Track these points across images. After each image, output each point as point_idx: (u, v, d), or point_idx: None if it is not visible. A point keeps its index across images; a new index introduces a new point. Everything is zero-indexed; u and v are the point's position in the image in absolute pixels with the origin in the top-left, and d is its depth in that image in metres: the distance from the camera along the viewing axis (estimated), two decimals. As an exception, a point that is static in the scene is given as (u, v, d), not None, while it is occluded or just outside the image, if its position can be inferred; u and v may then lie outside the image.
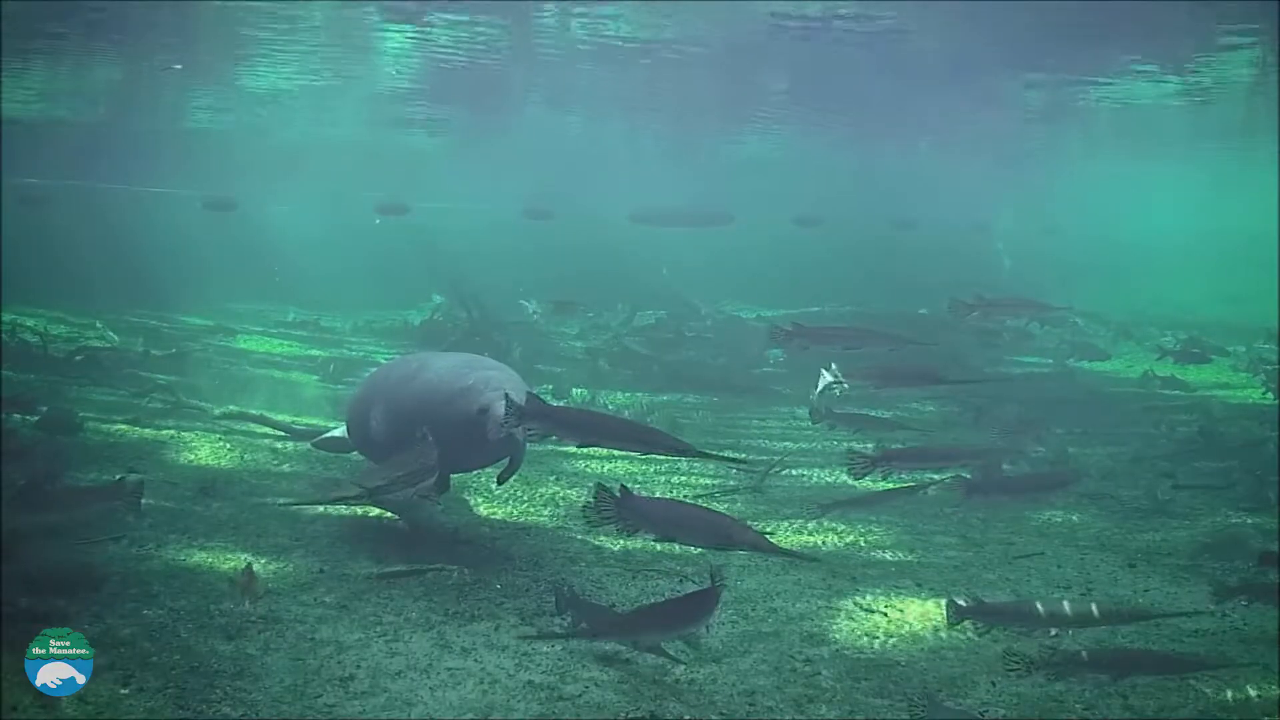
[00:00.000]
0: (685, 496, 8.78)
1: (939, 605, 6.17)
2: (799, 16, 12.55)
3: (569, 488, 8.72)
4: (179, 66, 16.85)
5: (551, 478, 9.12)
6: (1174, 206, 41.72)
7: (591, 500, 5.27)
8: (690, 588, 6.48)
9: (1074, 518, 8.40)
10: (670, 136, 25.61)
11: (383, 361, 15.94)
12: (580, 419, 5.89)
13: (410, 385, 7.23)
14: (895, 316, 17.42)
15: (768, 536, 5.53)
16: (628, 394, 13.65)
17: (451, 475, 7.30)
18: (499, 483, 7.67)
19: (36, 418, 9.48)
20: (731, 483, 9.24)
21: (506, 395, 6.06)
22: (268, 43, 14.97)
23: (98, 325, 17.44)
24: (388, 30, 14.16)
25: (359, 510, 7.96)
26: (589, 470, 9.41)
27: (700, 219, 27.86)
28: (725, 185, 33.29)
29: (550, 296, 16.27)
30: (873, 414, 10.72)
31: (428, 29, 13.93)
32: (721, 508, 8.35)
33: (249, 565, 5.87)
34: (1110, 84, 16.99)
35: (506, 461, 7.37)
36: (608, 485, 5.37)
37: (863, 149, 26.73)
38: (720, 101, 20.06)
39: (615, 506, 5.30)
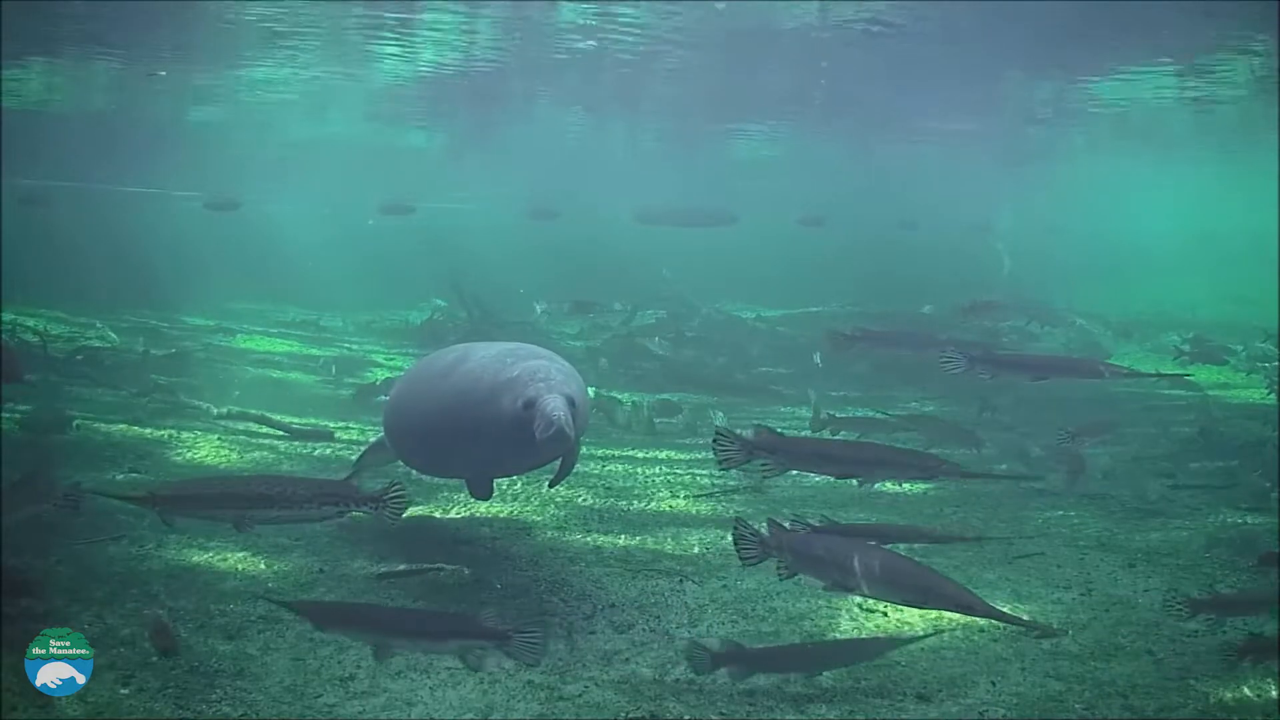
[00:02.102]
0: (684, 496, 8.78)
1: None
2: (802, 18, 12.58)
3: (569, 487, 8.71)
4: (164, 73, 16.89)
5: (551, 477, 9.10)
6: (1175, 207, 41.71)
7: (734, 536, 4.82)
8: (690, 587, 6.48)
9: (1074, 518, 8.40)
10: (672, 137, 25.62)
11: (376, 360, 16.01)
12: (822, 449, 5.35)
13: (449, 380, 6.37)
14: (897, 316, 17.42)
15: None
16: (630, 394, 13.66)
17: (495, 479, 6.77)
18: (551, 486, 7.11)
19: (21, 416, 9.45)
20: (731, 483, 9.23)
21: (550, 383, 5.61)
22: (268, 43, 14.97)
23: (98, 325, 17.44)
24: (387, 31, 14.17)
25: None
26: (588, 470, 9.41)
27: (705, 219, 27.86)
28: (726, 186, 33.30)
29: (561, 297, 16.30)
30: (872, 415, 10.76)
31: (428, 27, 13.93)
32: (721, 507, 8.39)
33: (159, 617, 5.42)
34: (1112, 84, 16.99)
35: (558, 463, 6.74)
36: (746, 520, 4.88)
37: (864, 150, 26.74)
38: (722, 102, 20.07)
39: (761, 545, 4.84)
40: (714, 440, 5.26)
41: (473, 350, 6.58)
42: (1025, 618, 5.55)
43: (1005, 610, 4.97)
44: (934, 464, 5.15)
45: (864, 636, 5.73)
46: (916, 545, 6.24)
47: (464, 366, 6.33)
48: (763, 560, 4.90)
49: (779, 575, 4.95)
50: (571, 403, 5.87)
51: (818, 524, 5.32)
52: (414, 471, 8.70)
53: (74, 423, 10.03)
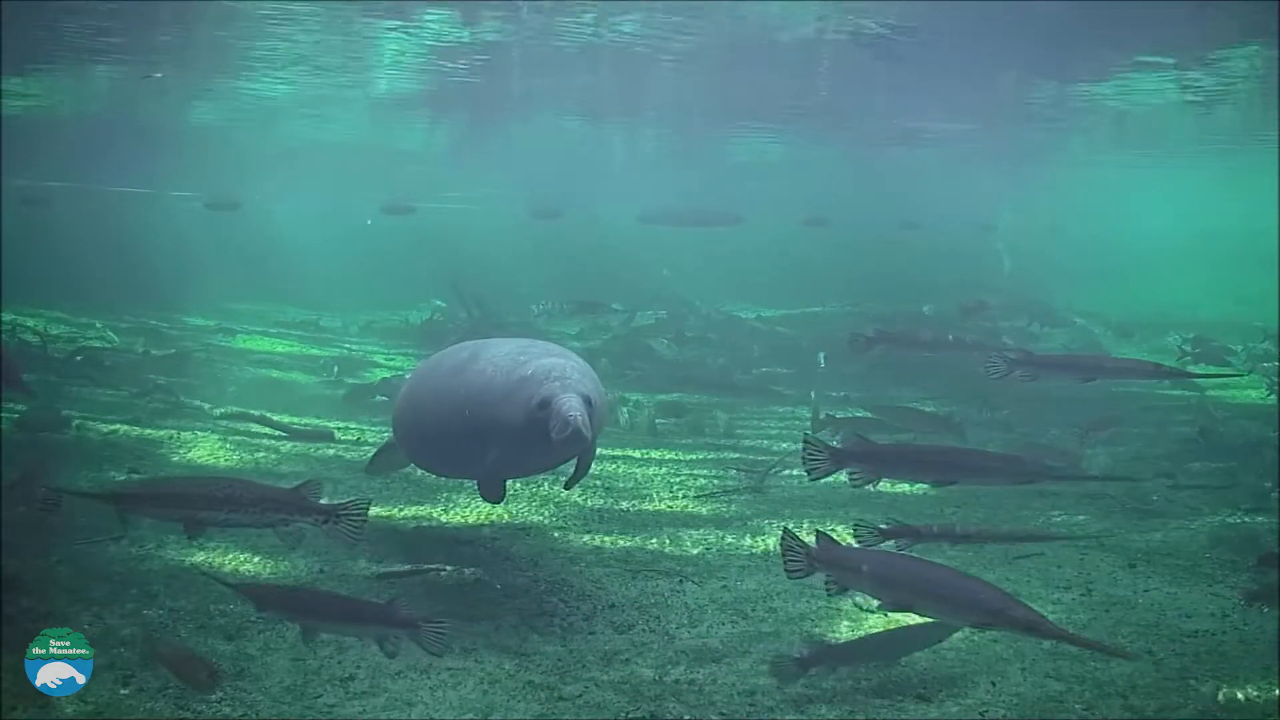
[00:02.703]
0: (684, 496, 8.78)
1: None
2: (804, 19, 12.59)
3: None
4: (159, 75, 16.91)
5: (550, 476, 9.11)
6: (1175, 207, 41.72)
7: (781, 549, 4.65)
8: (690, 587, 6.48)
9: (1074, 518, 8.40)
10: (673, 139, 25.63)
11: (377, 360, 16.02)
12: (915, 455, 5.13)
13: (460, 378, 6.13)
14: (899, 316, 17.42)
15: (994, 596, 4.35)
16: (631, 394, 13.66)
17: (509, 480, 6.53)
18: (566, 488, 6.80)
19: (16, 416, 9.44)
20: (730, 483, 9.23)
21: (568, 383, 5.42)
22: (267, 43, 14.97)
23: (98, 325, 17.45)
24: (386, 33, 14.17)
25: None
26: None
27: (709, 219, 27.91)
28: (728, 187, 33.32)
29: (560, 297, 16.30)
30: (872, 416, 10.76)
31: (426, 28, 13.94)
32: (721, 508, 8.39)
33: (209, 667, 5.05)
34: (1112, 84, 16.99)
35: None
36: (794, 532, 4.69)
37: (865, 151, 26.75)
38: (724, 105, 20.08)
39: (809, 559, 4.63)
40: (803, 450, 5.17)
41: (484, 348, 6.34)
42: (1097, 640, 5.20)
43: (1077, 633, 4.73)
44: (1031, 468, 4.96)
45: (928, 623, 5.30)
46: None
47: (476, 365, 6.11)
48: (809, 575, 4.68)
49: (827, 591, 4.81)
50: (588, 402, 5.68)
51: (886, 526, 5.22)
52: (417, 471, 8.76)
53: (73, 422, 10.03)
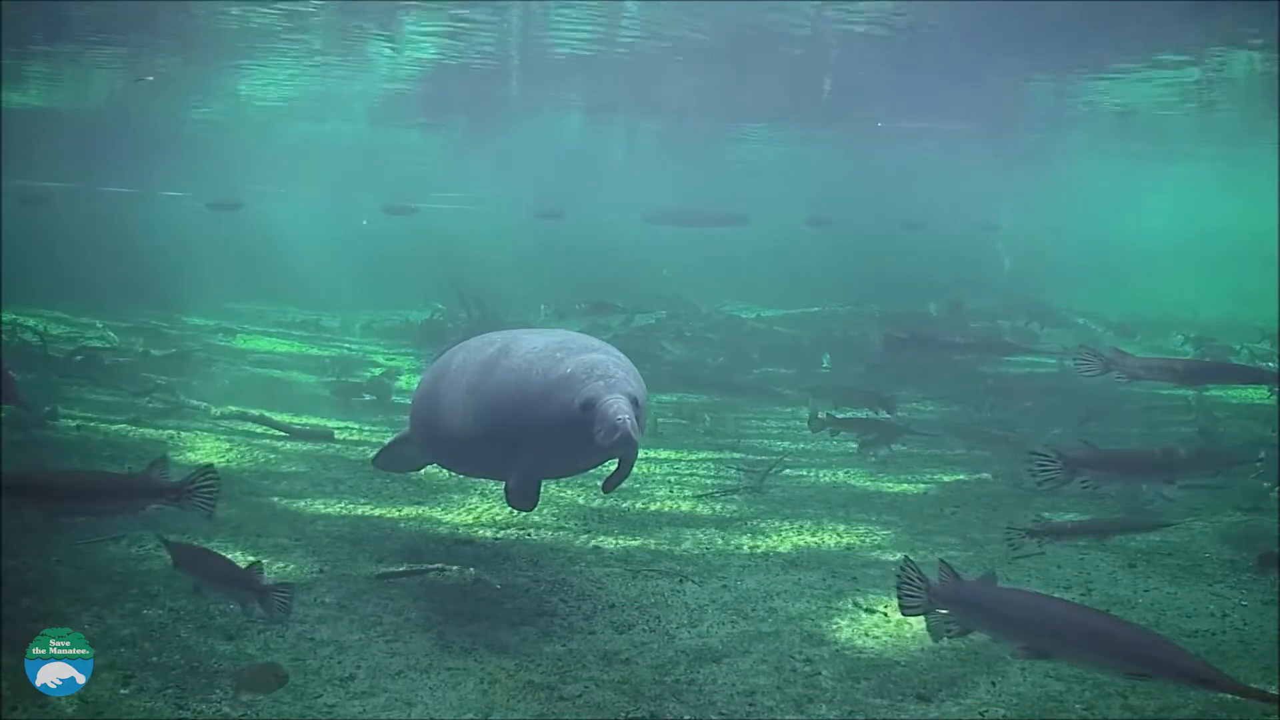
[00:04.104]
0: (685, 496, 8.77)
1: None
2: (806, 17, 12.60)
3: (568, 487, 8.71)
4: (151, 78, 16.94)
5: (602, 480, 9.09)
6: (1175, 206, 41.75)
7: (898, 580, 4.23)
8: (690, 587, 6.48)
9: (1074, 518, 8.39)
10: (675, 138, 25.64)
11: (377, 360, 16.01)
12: (1148, 460, 4.47)
13: (493, 375, 5.71)
14: (902, 317, 17.42)
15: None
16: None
17: (542, 482, 6.17)
18: (605, 489, 6.23)
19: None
20: (731, 483, 9.23)
21: (611, 382, 5.11)
22: (267, 42, 14.98)
23: (98, 325, 17.45)
24: (382, 36, 14.19)
25: (359, 510, 7.97)
26: (589, 470, 9.39)
27: (714, 219, 27.96)
28: (730, 187, 33.35)
29: (558, 297, 16.31)
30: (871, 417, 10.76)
31: (426, 28, 13.94)
32: (721, 508, 8.39)
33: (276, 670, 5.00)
34: (1113, 84, 17.00)
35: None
36: (914, 563, 4.26)
37: (867, 151, 26.76)
38: (725, 104, 20.08)
39: (929, 595, 4.20)
40: (1032, 461, 5.02)
41: (517, 341, 5.87)
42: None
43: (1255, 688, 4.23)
44: (1226, 459, 4.83)
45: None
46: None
47: (509, 361, 5.68)
48: (928, 613, 4.24)
49: (947, 634, 4.40)
50: (634, 402, 5.34)
51: (1034, 524, 5.10)
52: (421, 471, 8.77)
53: (61, 418, 10.03)
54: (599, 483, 8.96)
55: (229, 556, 5.50)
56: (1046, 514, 8.41)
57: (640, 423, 5.40)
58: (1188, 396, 13.43)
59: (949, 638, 4.41)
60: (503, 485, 6.14)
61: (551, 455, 5.62)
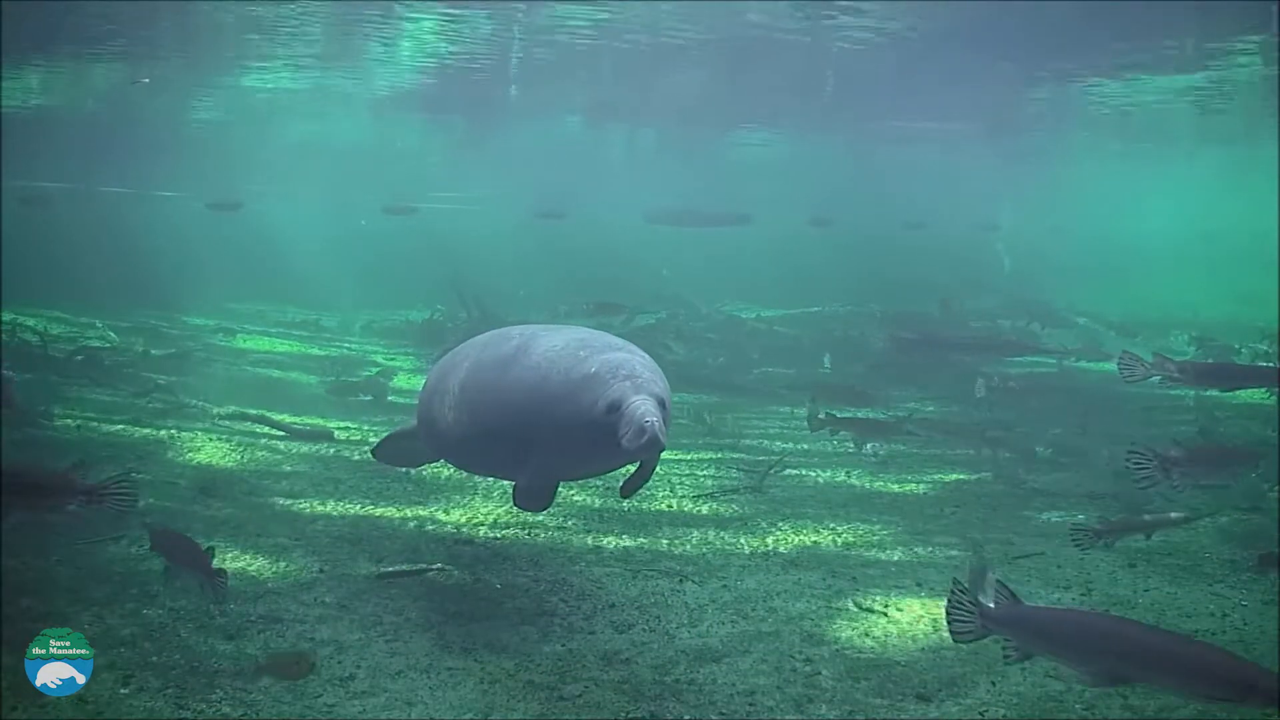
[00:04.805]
0: (684, 496, 8.77)
1: (939, 605, 6.17)
2: (809, 17, 12.60)
3: (568, 487, 8.70)
4: (146, 80, 16.97)
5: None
6: (1176, 206, 41.75)
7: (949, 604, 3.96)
8: (690, 587, 6.48)
9: (1074, 518, 8.39)
10: (676, 139, 25.65)
11: (376, 360, 16.00)
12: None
13: (510, 373, 5.46)
14: (903, 316, 17.42)
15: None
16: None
17: (560, 484, 5.89)
18: (624, 493, 6.02)
19: None
20: (730, 482, 9.23)
21: (638, 383, 4.91)
22: (267, 43, 14.98)
23: (98, 325, 17.46)
24: (382, 34, 14.19)
25: (359, 510, 7.97)
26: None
27: (717, 219, 27.98)
28: (731, 187, 33.38)
29: (557, 297, 16.32)
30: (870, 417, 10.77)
31: (424, 27, 13.94)
32: (721, 507, 8.38)
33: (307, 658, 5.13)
34: (1113, 83, 17.00)
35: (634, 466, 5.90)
36: (963, 585, 4.03)
37: (868, 151, 26.76)
38: (726, 105, 20.09)
39: (983, 620, 3.95)
40: (1130, 460, 5.23)
41: (535, 339, 5.61)
42: None
43: None
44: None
45: None
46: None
47: (528, 359, 5.43)
48: (982, 639, 3.98)
49: (1005, 659, 4.09)
50: (661, 404, 5.17)
51: (1099, 525, 5.18)
52: (421, 471, 8.77)
53: (56, 419, 10.03)
54: (598, 482, 8.98)
55: (201, 544, 5.60)
56: (1047, 513, 8.44)
57: (666, 425, 5.18)
58: (1187, 397, 13.44)
59: (1007, 663, 4.15)
60: (503, 484, 5.96)
61: (570, 457, 5.41)
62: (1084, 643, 3.85)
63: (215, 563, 5.48)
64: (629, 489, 5.96)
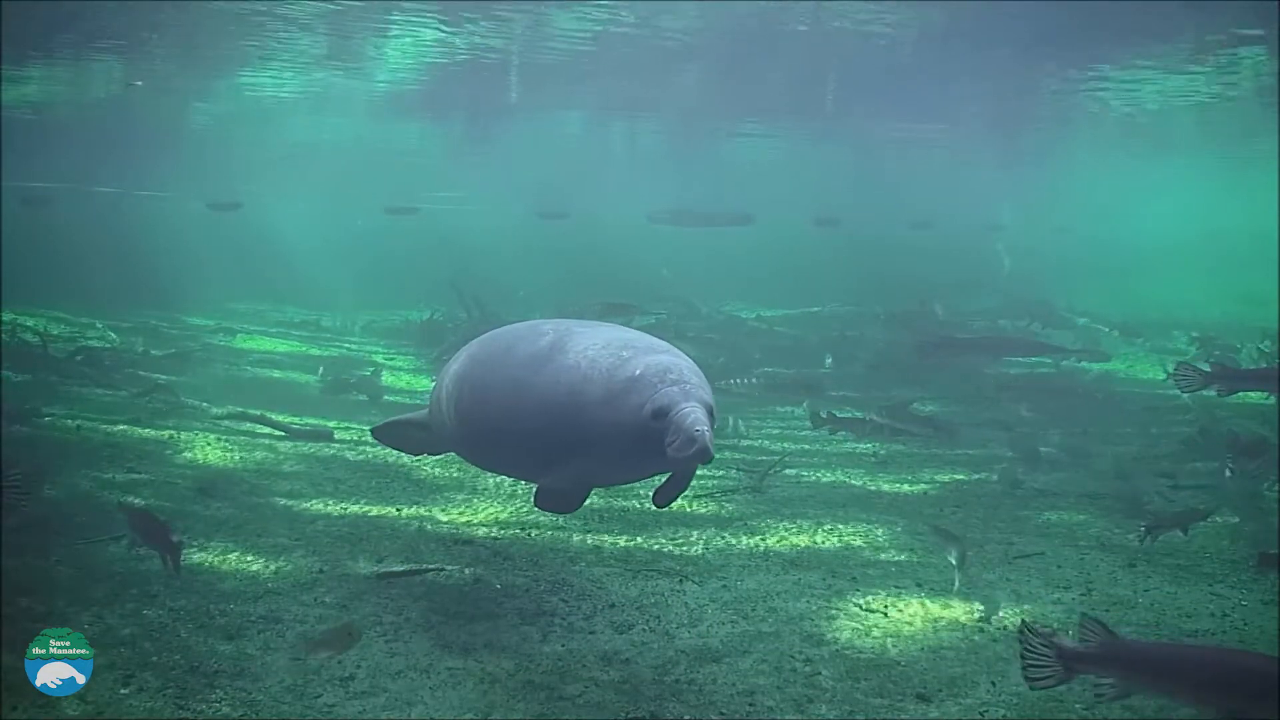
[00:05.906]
0: (684, 495, 8.76)
1: (939, 605, 6.17)
2: (810, 16, 12.61)
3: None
4: (140, 83, 16.99)
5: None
6: (1178, 207, 41.76)
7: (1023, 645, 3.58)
8: (690, 587, 6.48)
9: (1074, 518, 8.39)
10: (677, 139, 25.64)
11: (376, 360, 16.01)
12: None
13: (544, 372, 5.18)
14: (903, 316, 17.41)
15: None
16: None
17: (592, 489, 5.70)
18: (658, 503, 5.69)
19: None
20: (730, 482, 9.23)
21: (685, 388, 4.66)
22: (267, 43, 14.97)
23: (98, 325, 17.46)
24: (386, 33, 14.19)
25: (359, 510, 7.97)
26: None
27: (720, 219, 27.99)
28: (730, 186, 33.40)
29: (557, 298, 16.32)
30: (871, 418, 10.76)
31: (425, 27, 13.94)
32: (721, 507, 8.38)
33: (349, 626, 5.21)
34: (1115, 84, 17.01)
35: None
36: (1035, 626, 3.66)
37: (873, 151, 26.76)
38: (728, 103, 20.08)
39: (1064, 663, 3.57)
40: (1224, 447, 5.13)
41: (571, 336, 5.30)
42: None
43: None
44: None
45: None
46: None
47: (565, 358, 5.15)
48: (1065, 683, 3.64)
49: (1098, 696, 3.73)
50: (710, 412, 4.88)
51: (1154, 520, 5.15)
52: (421, 470, 8.76)
53: (47, 417, 10.03)
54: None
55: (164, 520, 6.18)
56: (1047, 514, 8.44)
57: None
58: (1187, 397, 13.43)
59: (1104, 701, 3.80)
60: (504, 483, 5.89)
61: (608, 462, 5.15)
62: (1202, 681, 3.55)
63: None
64: (664, 498, 5.67)
